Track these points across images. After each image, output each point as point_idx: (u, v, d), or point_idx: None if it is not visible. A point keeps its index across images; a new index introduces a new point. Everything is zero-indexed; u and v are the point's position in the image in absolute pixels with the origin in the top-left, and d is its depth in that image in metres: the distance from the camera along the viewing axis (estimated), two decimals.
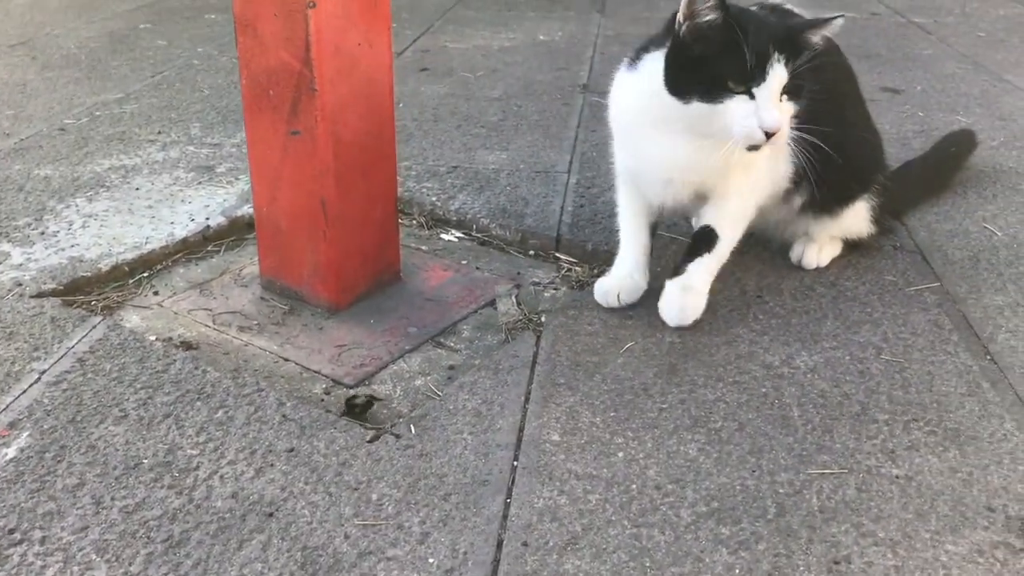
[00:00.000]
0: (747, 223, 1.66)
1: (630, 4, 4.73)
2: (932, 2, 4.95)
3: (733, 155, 1.45)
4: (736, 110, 1.40)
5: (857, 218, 1.82)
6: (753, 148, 1.43)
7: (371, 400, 1.45)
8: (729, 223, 1.63)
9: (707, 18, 1.40)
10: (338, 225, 1.65)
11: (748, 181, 1.60)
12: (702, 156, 1.49)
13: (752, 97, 1.39)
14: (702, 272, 1.63)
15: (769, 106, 1.39)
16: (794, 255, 1.83)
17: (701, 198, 1.62)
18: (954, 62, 3.59)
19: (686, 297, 1.61)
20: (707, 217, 1.64)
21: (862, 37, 3.99)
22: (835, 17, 1.45)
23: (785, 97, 1.42)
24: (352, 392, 1.48)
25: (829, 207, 1.78)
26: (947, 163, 2.29)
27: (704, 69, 1.41)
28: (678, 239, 1.98)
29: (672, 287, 1.62)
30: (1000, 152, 2.54)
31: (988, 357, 1.54)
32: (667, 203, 1.64)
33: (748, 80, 1.39)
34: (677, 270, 1.64)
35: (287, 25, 1.53)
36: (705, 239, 1.62)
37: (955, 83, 3.27)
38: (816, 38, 1.44)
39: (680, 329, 1.60)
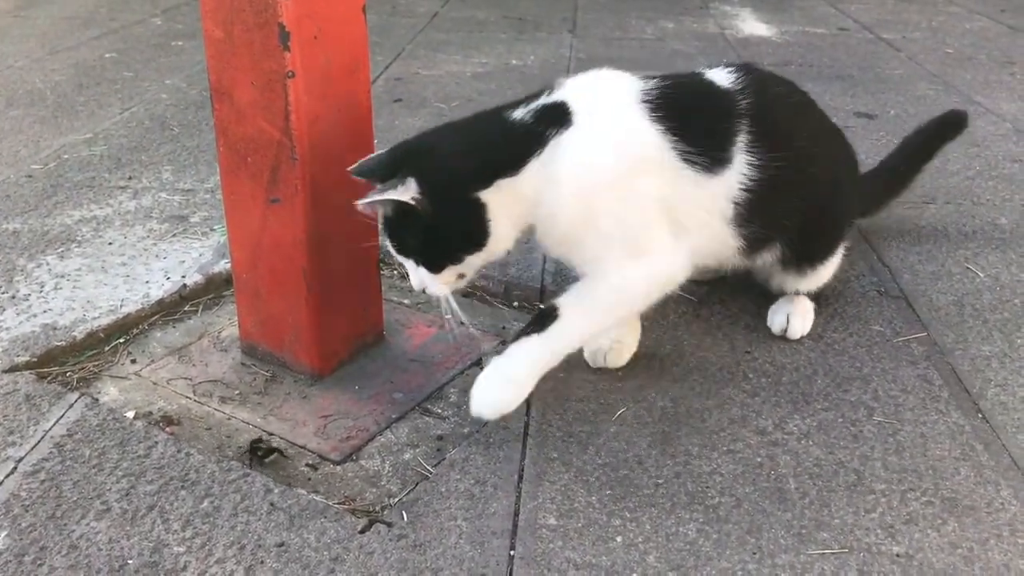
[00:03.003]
0: (618, 315, 1.52)
1: (601, 23, 4.72)
2: (899, 16, 4.99)
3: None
4: None
5: (832, 266, 1.80)
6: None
7: (274, 449, 1.46)
8: (578, 306, 1.46)
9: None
10: (320, 292, 1.62)
11: (639, 265, 1.46)
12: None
13: None
14: (523, 360, 1.44)
15: (412, 276, 1.46)
16: (776, 327, 1.77)
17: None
18: (925, 83, 3.62)
19: (499, 386, 1.44)
20: (563, 295, 1.50)
21: (832, 56, 4.00)
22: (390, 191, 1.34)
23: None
24: (259, 436, 1.51)
25: (807, 264, 1.73)
26: (914, 159, 2.19)
27: None
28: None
29: (490, 369, 1.45)
30: (977, 183, 2.56)
31: (979, 415, 1.54)
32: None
33: None
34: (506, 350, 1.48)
35: (265, 94, 1.49)
36: (541, 318, 1.46)
37: (927, 106, 3.29)
38: (404, 200, 1.34)
39: (496, 418, 1.46)
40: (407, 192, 1.34)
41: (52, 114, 3.14)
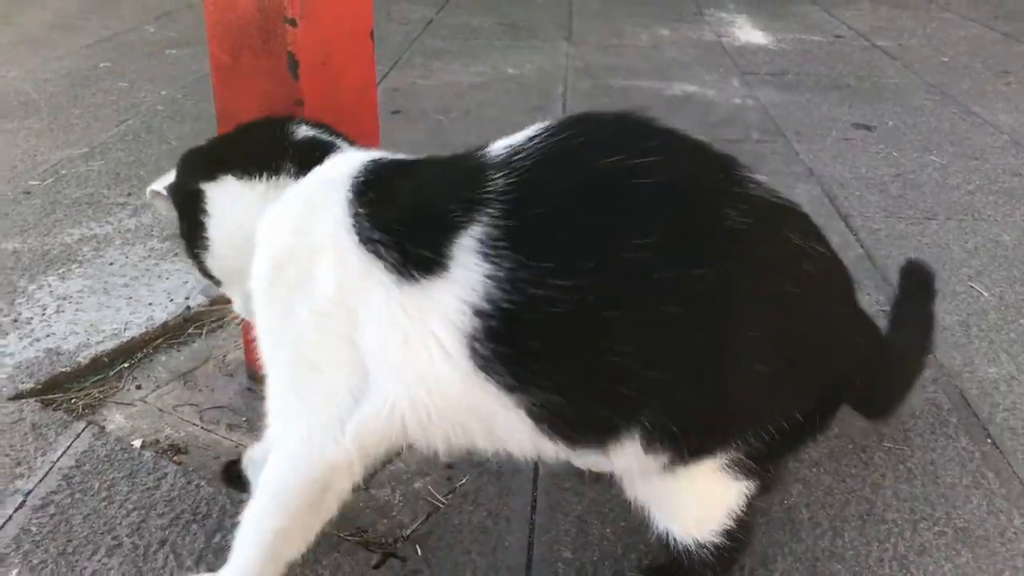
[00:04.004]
0: (277, 524, 1.09)
1: (596, 30, 4.72)
2: (894, 23, 5.01)
3: None
4: None
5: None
6: None
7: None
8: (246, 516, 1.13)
9: None
10: None
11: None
12: None
13: None
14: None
15: None
16: None
17: None
18: (922, 92, 3.63)
19: None
20: None
21: (828, 64, 4.01)
22: None
23: None
24: (232, 459, 1.47)
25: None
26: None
27: None
28: None
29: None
30: (977, 198, 2.56)
31: (989, 440, 1.54)
32: None
33: None
34: None
35: None
36: None
37: (925, 117, 3.30)
38: None
39: None
40: (162, 182, 1.22)
41: (48, 127, 3.12)
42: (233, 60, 1.50)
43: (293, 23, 1.41)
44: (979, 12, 5.27)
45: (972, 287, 2.05)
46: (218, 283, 1.27)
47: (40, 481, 1.42)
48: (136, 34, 4.56)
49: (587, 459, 1.00)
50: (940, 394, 1.66)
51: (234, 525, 1.32)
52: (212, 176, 1.16)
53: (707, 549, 1.10)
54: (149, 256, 2.18)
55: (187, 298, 1.98)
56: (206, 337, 1.90)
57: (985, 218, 2.42)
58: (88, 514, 1.36)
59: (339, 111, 1.52)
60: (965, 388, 1.68)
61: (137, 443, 1.54)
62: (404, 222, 0.98)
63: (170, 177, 1.26)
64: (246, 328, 1.70)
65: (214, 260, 1.20)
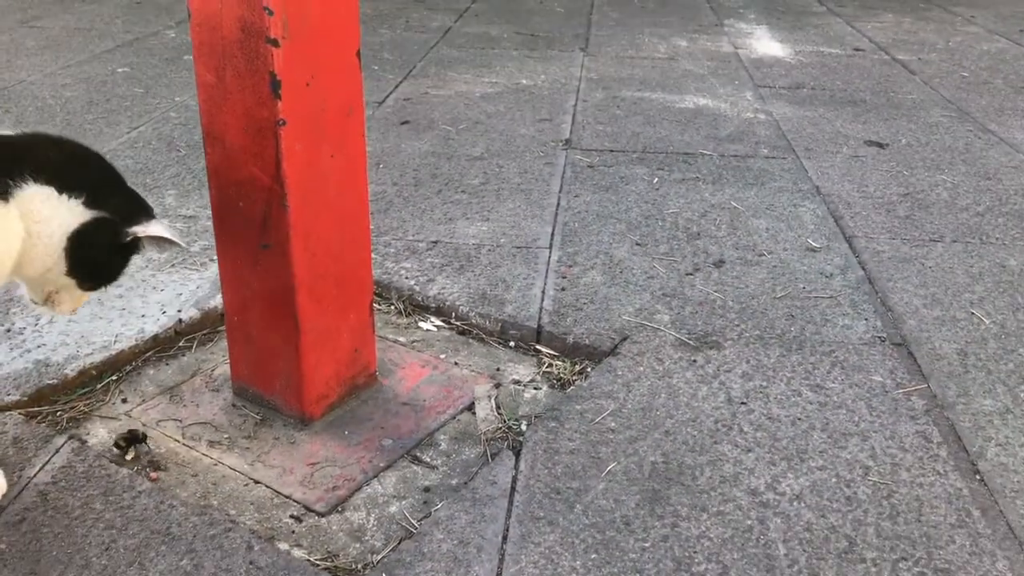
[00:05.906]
0: None
1: (614, 41, 4.70)
2: (916, 36, 4.94)
3: None
4: None
5: None
6: None
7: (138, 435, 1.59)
8: None
9: None
10: (311, 337, 1.61)
11: None
12: None
13: None
14: None
15: None
16: None
17: None
18: (939, 109, 3.57)
19: None
20: None
21: (846, 79, 3.96)
22: None
23: None
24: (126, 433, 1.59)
25: None
26: None
27: None
28: None
29: None
30: (986, 220, 2.52)
31: (978, 477, 1.51)
32: None
33: None
34: None
35: (256, 141, 1.48)
36: None
37: (940, 135, 3.25)
38: None
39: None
40: None
41: (59, 133, 3.13)
42: (217, 79, 1.50)
43: (275, 43, 1.41)
44: (1005, 26, 5.19)
45: (973, 314, 2.01)
46: None
47: (16, 497, 1.43)
48: (157, 39, 4.60)
49: None
50: (931, 427, 1.63)
51: (204, 548, 1.32)
52: None
53: None
54: (147, 267, 2.18)
55: (179, 311, 1.98)
56: (196, 351, 1.90)
57: (993, 241, 2.38)
58: (60, 532, 1.36)
59: (324, 130, 1.52)
60: (957, 420, 1.65)
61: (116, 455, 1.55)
62: None
63: None
64: (233, 342, 1.70)
65: None
